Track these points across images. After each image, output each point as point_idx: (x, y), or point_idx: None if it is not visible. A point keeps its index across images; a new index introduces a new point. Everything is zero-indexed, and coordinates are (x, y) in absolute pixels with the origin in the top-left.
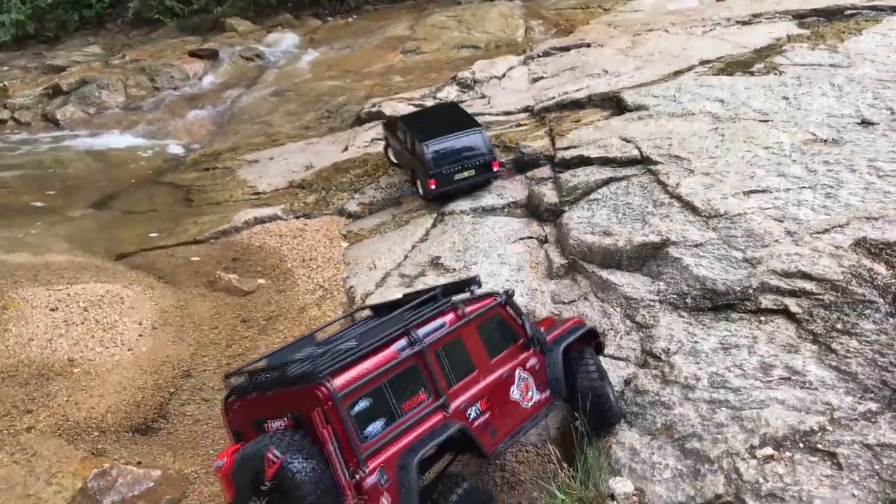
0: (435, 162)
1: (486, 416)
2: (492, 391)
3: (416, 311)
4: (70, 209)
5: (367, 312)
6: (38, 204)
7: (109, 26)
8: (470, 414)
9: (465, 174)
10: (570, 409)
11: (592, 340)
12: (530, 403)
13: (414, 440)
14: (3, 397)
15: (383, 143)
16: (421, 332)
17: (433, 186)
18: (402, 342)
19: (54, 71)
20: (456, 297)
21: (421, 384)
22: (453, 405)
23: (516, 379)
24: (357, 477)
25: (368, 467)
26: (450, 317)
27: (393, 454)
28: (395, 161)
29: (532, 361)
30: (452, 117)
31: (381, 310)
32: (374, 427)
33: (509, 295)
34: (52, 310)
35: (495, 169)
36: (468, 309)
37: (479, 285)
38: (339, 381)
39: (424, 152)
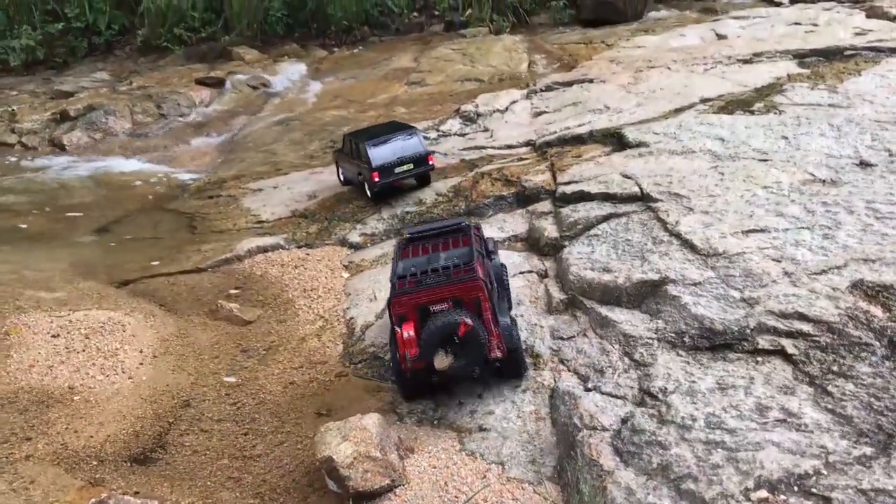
0: (377, 158)
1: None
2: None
3: (457, 234)
4: (74, 235)
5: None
6: (42, 229)
7: (118, 53)
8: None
9: (404, 167)
10: None
11: None
12: None
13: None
14: (3, 424)
15: (335, 168)
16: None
17: (376, 179)
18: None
19: (62, 96)
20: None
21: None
22: None
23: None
24: (496, 329)
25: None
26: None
27: (494, 315)
28: (344, 181)
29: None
30: (391, 126)
31: (413, 236)
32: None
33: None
34: (53, 336)
35: (430, 162)
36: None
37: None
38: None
39: (368, 151)
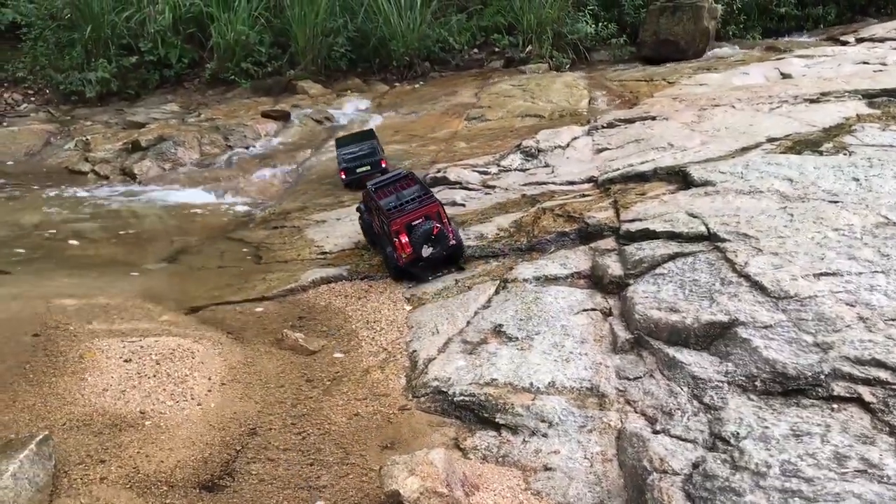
0: (343, 160)
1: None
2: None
3: (405, 180)
4: (144, 261)
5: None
6: (114, 255)
7: (187, 85)
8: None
9: (363, 168)
10: None
11: None
12: None
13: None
14: (79, 446)
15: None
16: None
17: (343, 176)
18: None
19: (134, 127)
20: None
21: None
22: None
23: None
24: (451, 228)
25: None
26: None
27: (448, 221)
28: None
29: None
30: (361, 135)
31: (376, 186)
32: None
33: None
34: (125, 361)
35: (383, 165)
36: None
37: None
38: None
39: (338, 155)
